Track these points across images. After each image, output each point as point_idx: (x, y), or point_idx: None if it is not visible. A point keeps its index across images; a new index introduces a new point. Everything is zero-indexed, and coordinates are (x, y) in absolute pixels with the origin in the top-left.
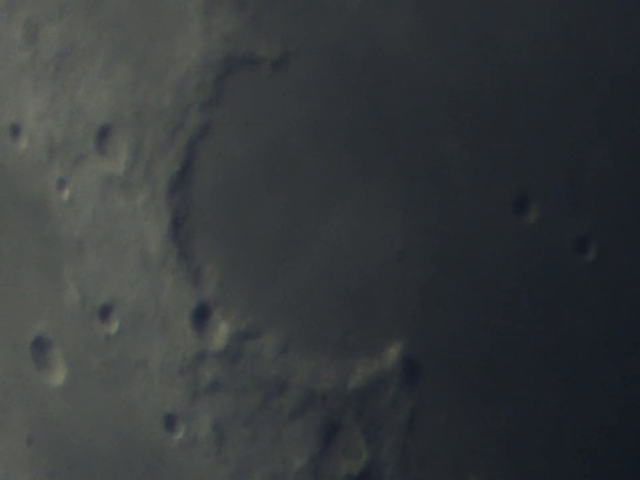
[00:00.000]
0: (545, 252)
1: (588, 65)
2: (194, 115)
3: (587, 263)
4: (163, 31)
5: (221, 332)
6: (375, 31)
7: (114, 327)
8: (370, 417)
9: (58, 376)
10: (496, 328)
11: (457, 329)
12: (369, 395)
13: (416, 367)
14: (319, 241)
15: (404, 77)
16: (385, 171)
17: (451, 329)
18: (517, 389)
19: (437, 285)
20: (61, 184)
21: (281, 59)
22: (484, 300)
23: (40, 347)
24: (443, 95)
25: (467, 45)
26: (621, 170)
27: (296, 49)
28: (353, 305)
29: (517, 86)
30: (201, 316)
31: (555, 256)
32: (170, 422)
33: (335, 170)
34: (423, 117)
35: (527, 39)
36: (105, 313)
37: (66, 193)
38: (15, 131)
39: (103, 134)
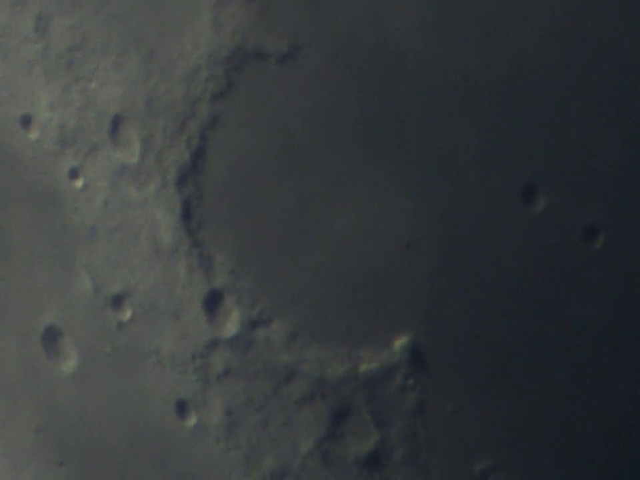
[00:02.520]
0: (553, 241)
1: (597, 54)
2: (203, 107)
3: (595, 251)
4: (173, 24)
5: (233, 319)
6: (385, 22)
7: (126, 314)
8: (379, 402)
9: (69, 364)
10: (504, 317)
11: (465, 318)
12: (378, 381)
13: (423, 356)
14: (328, 230)
15: (414, 67)
16: (393, 161)
17: (458, 318)
18: (525, 378)
19: (445, 275)
20: (74, 173)
21: (290, 51)
22: (492, 289)
23: (51, 335)
24: (452, 86)
25: (476, 36)
26: (630, 158)
27: (305, 41)
28: (361, 295)
29: (527, 75)
30: (213, 304)
31: (564, 244)
32: (181, 409)
33: (344, 160)
34: (432, 107)
35: (537, 29)
36: (117, 301)
37: (79, 182)
38: (27, 121)
39: (115, 125)
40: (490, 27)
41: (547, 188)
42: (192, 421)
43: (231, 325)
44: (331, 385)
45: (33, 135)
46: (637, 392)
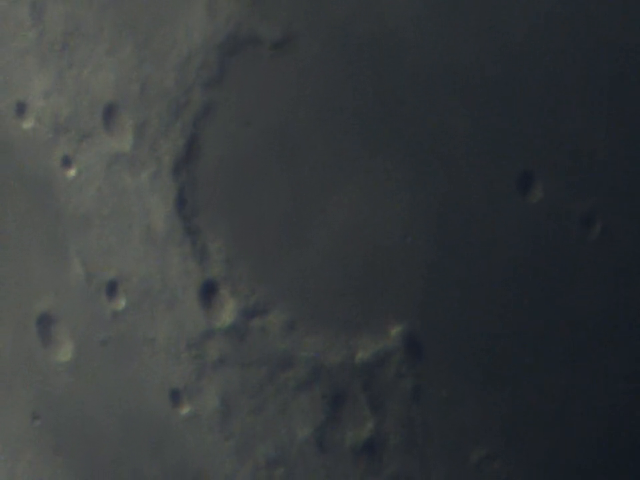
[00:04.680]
0: (550, 230)
1: (594, 43)
2: (197, 94)
3: (593, 240)
4: (167, 11)
5: (228, 308)
6: (380, 10)
7: (120, 303)
8: (375, 389)
9: (64, 353)
10: (500, 307)
11: (461, 308)
12: (374, 368)
13: (419, 344)
14: (325, 218)
15: (409, 56)
16: (390, 151)
17: (454, 308)
18: (520, 367)
19: (441, 264)
20: (67, 161)
21: (284, 39)
22: (488, 279)
23: (46, 323)
24: (449, 75)
25: (472, 25)
26: (627, 146)
27: (299, 29)
28: (357, 284)
29: (523, 64)
30: (208, 292)
31: (561, 234)
32: (176, 398)
33: (340, 149)
34: (428, 96)
35: (534, 17)
36: (111, 289)
37: (72, 171)
38: (21, 109)
39: (109, 112)
40: (486, 16)
41: (544, 177)
42: (186, 409)
43: (227, 314)
44: (327, 373)
45: (27, 122)
46: (632, 382)
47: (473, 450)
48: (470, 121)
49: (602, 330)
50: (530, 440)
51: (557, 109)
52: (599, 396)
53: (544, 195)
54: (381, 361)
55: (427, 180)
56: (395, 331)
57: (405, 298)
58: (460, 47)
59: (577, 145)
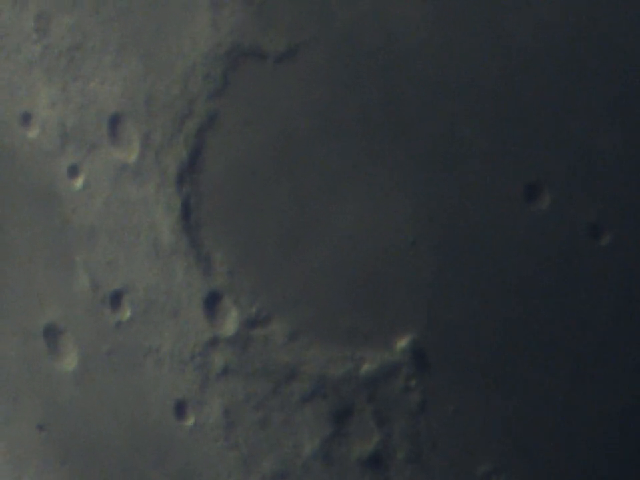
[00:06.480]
0: (557, 239)
1: (600, 50)
2: (201, 105)
3: (600, 248)
4: (171, 23)
5: (232, 318)
6: (386, 19)
7: (125, 313)
8: (381, 402)
9: (69, 363)
10: (507, 316)
11: (468, 317)
12: (380, 381)
13: (425, 356)
14: (329, 228)
15: (416, 64)
16: (395, 159)
17: (461, 317)
18: (527, 376)
19: (448, 273)
20: (73, 172)
21: (289, 49)
22: (495, 288)
23: (51, 334)
24: (455, 83)
25: (479, 33)
26: (634, 155)
27: (304, 39)
28: (362, 294)
29: (530, 72)
30: (212, 302)
31: (568, 242)
32: (180, 408)
33: (345, 158)
34: (434, 105)
35: (539, 25)
36: (116, 300)
37: (78, 182)
38: (27, 120)
39: (114, 123)
40: (493, 24)
41: (552, 185)
42: (190, 420)
43: (231, 323)
44: (332, 385)
45: (33, 133)
46: (638, 389)
47: (479, 463)
48: (476, 129)
49: (612, 338)
50: (536, 452)
51: (564, 117)
52: (608, 404)
53: (551, 202)
54: (387, 374)
55: (432, 188)
56: (401, 342)
57: (411, 307)
58: (466, 55)
59: (584, 152)
